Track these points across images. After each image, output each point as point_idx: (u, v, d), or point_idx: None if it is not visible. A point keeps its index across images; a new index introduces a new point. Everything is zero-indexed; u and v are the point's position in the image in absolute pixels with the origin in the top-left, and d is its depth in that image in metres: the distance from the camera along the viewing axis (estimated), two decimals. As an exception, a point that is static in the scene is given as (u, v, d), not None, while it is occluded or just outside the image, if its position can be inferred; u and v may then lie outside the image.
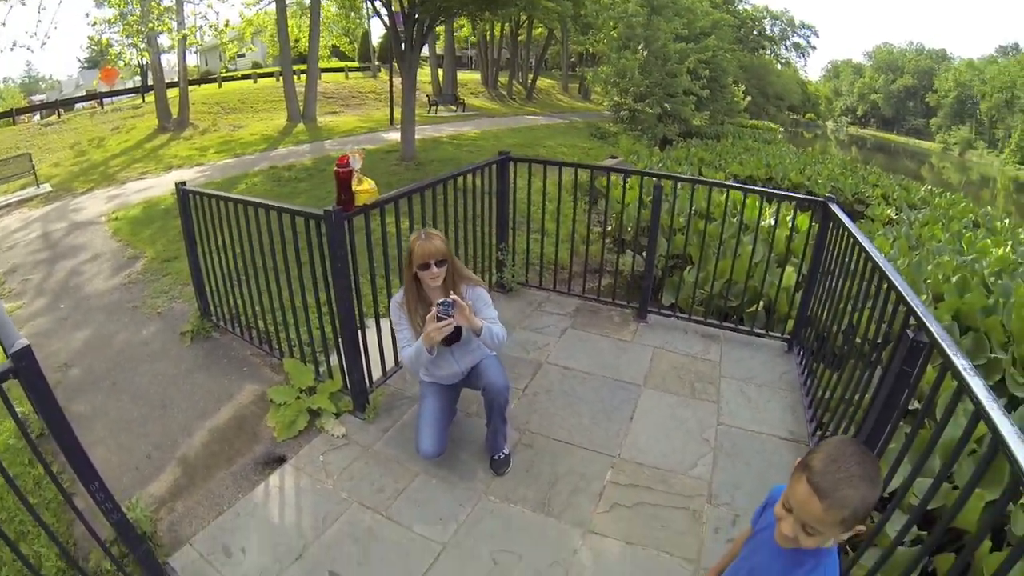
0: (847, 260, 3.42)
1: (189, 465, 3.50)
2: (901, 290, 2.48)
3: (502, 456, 3.28)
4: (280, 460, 3.44)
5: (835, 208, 3.81)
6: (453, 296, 2.80)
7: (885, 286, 2.74)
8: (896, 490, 2.41)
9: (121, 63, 22.15)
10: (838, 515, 1.27)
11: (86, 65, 53.42)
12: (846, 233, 3.48)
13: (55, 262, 7.89)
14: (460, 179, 4.54)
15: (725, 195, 5.39)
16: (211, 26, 18.53)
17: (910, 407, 2.59)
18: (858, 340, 3.09)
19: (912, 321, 2.33)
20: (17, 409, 3.61)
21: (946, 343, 1.99)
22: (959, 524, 2.77)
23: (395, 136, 15.53)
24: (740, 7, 50.51)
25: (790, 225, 5.29)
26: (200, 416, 3.95)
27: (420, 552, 2.77)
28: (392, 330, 3.26)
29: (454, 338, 3.04)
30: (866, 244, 3.04)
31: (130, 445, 3.73)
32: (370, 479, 3.23)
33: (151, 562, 2.52)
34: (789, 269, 5.12)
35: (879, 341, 2.81)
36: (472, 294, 3.04)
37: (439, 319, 2.75)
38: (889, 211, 12.52)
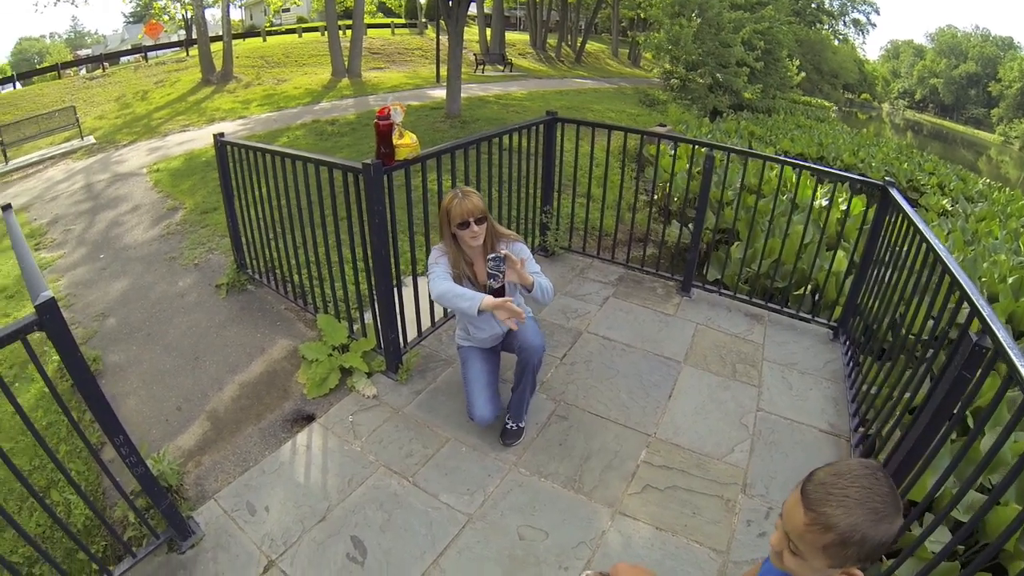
0: (904, 250, 3.21)
1: (218, 419, 3.48)
2: (966, 288, 2.27)
3: (516, 427, 3.18)
4: (309, 418, 3.40)
5: (895, 193, 3.56)
6: (504, 251, 2.69)
7: (947, 282, 2.54)
8: (931, 500, 2.26)
9: (166, 17, 22.34)
10: (820, 536, 1.11)
11: (131, 20, 53.85)
12: (906, 221, 3.25)
13: (96, 213, 7.99)
14: (505, 138, 4.40)
15: (778, 171, 5.17)
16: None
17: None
18: (911, 336, 2.89)
19: (976, 323, 2.14)
20: (55, 357, 3.65)
21: (1014, 352, 1.81)
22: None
23: (441, 93, 15.31)
24: (800, -22, 48.58)
25: (843, 208, 5.03)
26: (231, 370, 3.93)
27: (445, 522, 2.71)
28: (427, 277, 3.10)
29: (499, 295, 2.94)
30: (929, 235, 2.82)
31: (162, 396, 3.73)
32: (399, 443, 3.17)
33: (174, 516, 2.50)
34: (840, 254, 4.87)
35: (935, 338, 2.62)
36: (514, 250, 2.92)
37: (490, 276, 2.68)
38: (944, 202, 11.96)
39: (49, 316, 1.80)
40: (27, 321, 1.79)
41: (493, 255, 2.67)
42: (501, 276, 2.70)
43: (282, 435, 3.30)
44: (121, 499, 2.79)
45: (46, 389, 3.73)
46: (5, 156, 13.39)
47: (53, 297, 1.81)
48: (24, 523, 2.81)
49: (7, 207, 2.73)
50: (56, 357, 3.70)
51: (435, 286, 2.80)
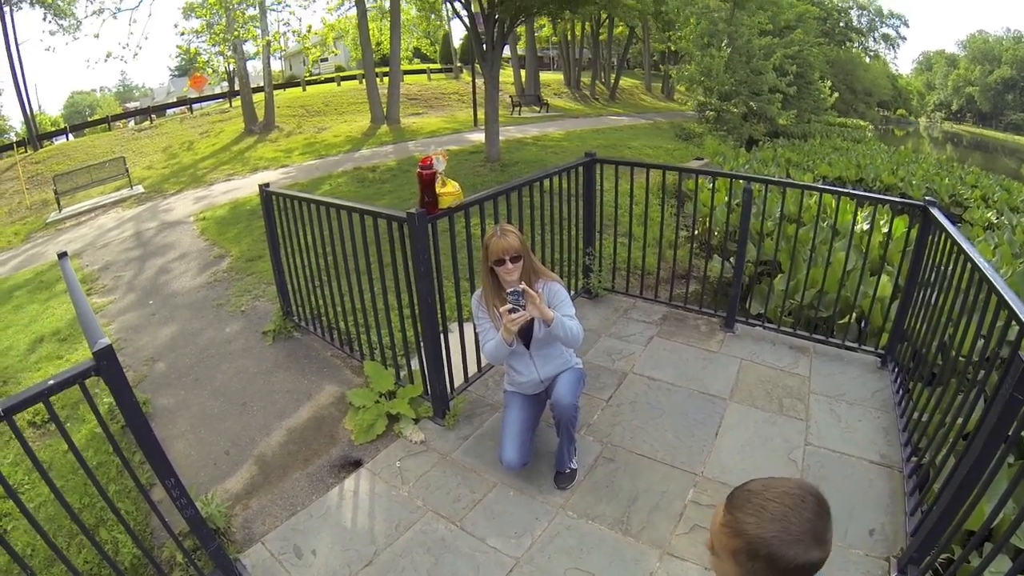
0: (949, 269, 3.12)
1: (266, 463, 3.55)
2: (1015, 307, 2.20)
3: (567, 471, 3.20)
4: (356, 464, 3.44)
5: (936, 212, 3.49)
6: (523, 285, 2.73)
7: (994, 301, 2.47)
8: (989, 528, 2.18)
9: (209, 70, 23.23)
10: (730, 539, 1.12)
11: (176, 73, 56.29)
12: (949, 240, 3.17)
13: (145, 260, 8.28)
14: (546, 181, 4.44)
15: (817, 199, 5.13)
16: (294, 32, 19.07)
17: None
18: (960, 359, 2.81)
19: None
20: (106, 399, 3.79)
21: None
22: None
23: (479, 137, 15.46)
24: (826, -2, 48.27)
25: (884, 230, 4.94)
26: (279, 415, 4.01)
27: (492, 566, 2.71)
28: (475, 330, 3.24)
29: (528, 333, 3.00)
30: (973, 253, 2.75)
31: (210, 440, 3.83)
32: (446, 488, 3.18)
33: (222, 558, 2.55)
34: (884, 278, 4.75)
35: (986, 359, 2.55)
36: (547, 289, 2.97)
37: (512, 310, 2.71)
38: (989, 214, 11.58)
39: (106, 362, 1.91)
40: (86, 366, 1.90)
41: (512, 289, 2.72)
42: (521, 310, 2.74)
43: (329, 480, 3.34)
44: (168, 539, 2.87)
45: (96, 429, 3.89)
46: (59, 204, 14.07)
47: (110, 344, 1.92)
48: (73, 558, 2.88)
49: (63, 254, 2.87)
50: (108, 399, 3.84)
51: (487, 349, 3.07)
